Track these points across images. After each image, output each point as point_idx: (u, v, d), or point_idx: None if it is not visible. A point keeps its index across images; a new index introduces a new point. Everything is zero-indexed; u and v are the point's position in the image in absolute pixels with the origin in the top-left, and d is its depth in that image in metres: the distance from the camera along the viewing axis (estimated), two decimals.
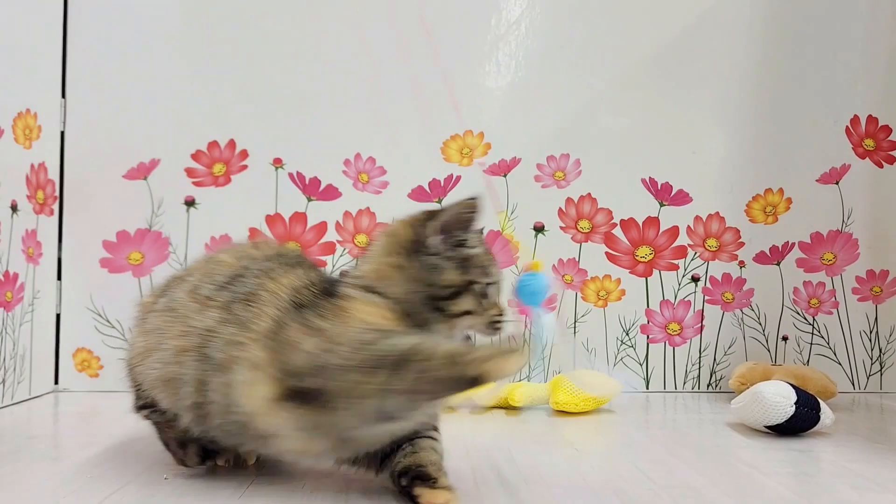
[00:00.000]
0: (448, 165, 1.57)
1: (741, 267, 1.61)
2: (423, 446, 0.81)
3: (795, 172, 1.60)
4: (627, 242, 1.59)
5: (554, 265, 1.58)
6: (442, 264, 0.83)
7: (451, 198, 1.56)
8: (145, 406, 0.89)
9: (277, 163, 1.56)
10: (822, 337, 1.62)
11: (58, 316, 1.53)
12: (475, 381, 0.67)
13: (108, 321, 1.53)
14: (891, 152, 1.60)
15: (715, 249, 1.60)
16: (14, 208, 1.36)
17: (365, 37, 1.55)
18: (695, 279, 1.60)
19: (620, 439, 1.20)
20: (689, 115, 1.60)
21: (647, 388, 1.60)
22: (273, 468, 0.92)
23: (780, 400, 1.11)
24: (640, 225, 1.59)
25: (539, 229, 1.58)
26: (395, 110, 1.55)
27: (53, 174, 1.50)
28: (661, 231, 1.59)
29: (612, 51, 1.58)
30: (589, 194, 1.58)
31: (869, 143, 1.60)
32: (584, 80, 1.58)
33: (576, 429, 1.23)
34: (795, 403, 1.11)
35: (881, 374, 1.61)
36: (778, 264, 1.61)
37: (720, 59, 1.59)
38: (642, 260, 1.59)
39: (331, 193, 1.56)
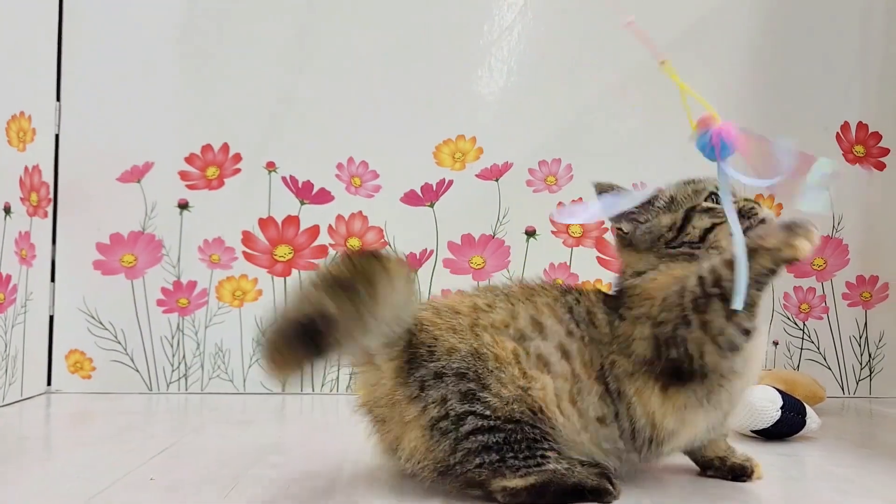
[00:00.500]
0: (440, 170, 1.58)
1: None
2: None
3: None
4: None
5: (545, 269, 1.59)
6: (649, 226, 0.89)
7: (444, 202, 1.57)
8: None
9: (270, 166, 1.56)
10: (812, 342, 1.62)
11: (51, 317, 1.53)
12: (791, 262, 0.76)
13: (100, 323, 1.54)
14: (881, 158, 1.61)
15: None
16: (7, 210, 1.37)
17: (357, 41, 1.57)
18: None
19: None
20: (681, 121, 1.60)
21: None
22: (261, 472, 0.92)
23: (766, 405, 1.11)
24: None
25: (531, 234, 1.59)
26: (388, 114, 1.56)
27: (47, 177, 1.51)
28: None
29: (604, 56, 1.59)
30: (580, 199, 1.59)
31: (859, 149, 1.61)
32: (577, 85, 1.59)
33: None
34: (781, 408, 1.11)
35: (870, 379, 1.62)
36: None
37: (711, 66, 1.59)
38: None
39: (324, 197, 1.57)
